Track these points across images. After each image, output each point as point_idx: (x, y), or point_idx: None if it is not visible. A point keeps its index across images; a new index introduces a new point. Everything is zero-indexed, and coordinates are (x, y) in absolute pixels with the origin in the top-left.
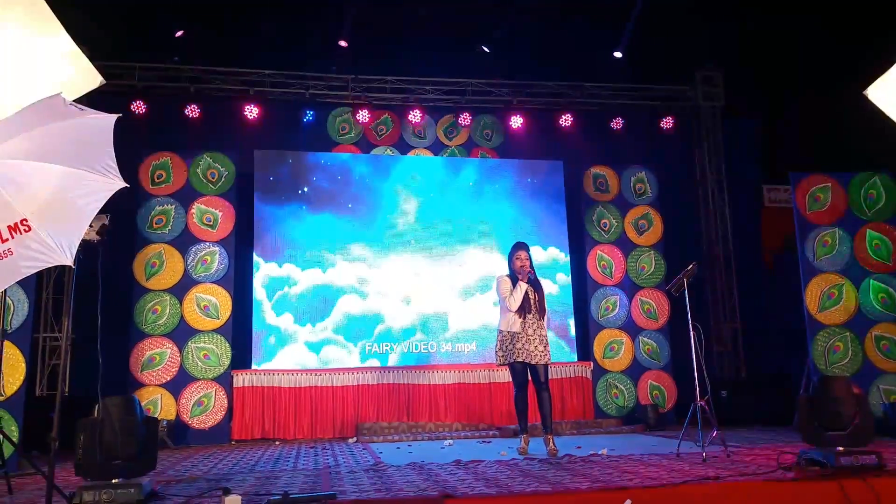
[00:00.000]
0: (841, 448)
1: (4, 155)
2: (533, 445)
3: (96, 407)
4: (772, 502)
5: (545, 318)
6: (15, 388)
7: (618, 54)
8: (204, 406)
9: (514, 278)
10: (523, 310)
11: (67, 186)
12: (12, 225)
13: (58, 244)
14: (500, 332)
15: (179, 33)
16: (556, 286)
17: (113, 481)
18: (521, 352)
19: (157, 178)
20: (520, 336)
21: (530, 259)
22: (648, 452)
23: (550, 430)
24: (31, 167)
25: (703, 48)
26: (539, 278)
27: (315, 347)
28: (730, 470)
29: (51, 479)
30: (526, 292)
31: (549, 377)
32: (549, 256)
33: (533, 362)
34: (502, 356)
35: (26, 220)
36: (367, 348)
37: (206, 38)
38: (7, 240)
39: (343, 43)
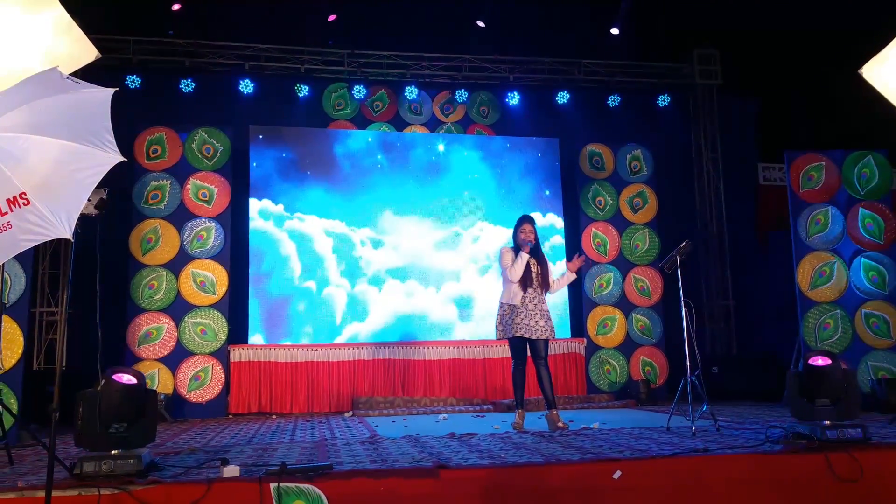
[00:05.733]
0: (827, 422)
1: (2, 129)
2: (528, 420)
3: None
4: (759, 474)
5: (547, 292)
6: (13, 361)
7: (614, 31)
8: (201, 380)
9: (517, 250)
10: (525, 282)
11: (65, 160)
12: (11, 198)
13: (57, 218)
14: (501, 304)
15: (176, 7)
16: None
17: (112, 452)
18: (520, 326)
19: (153, 153)
20: (519, 310)
21: (535, 233)
22: (639, 426)
23: (554, 405)
24: (29, 141)
25: (701, 27)
26: (543, 251)
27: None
28: (719, 443)
29: (52, 449)
30: (528, 265)
31: None
32: (544, 232)
33: (533, 337)
34: (502, 330)
35: (25, 194)
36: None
37: (200, 11)
38: (6, 213)
39: (331, 17)
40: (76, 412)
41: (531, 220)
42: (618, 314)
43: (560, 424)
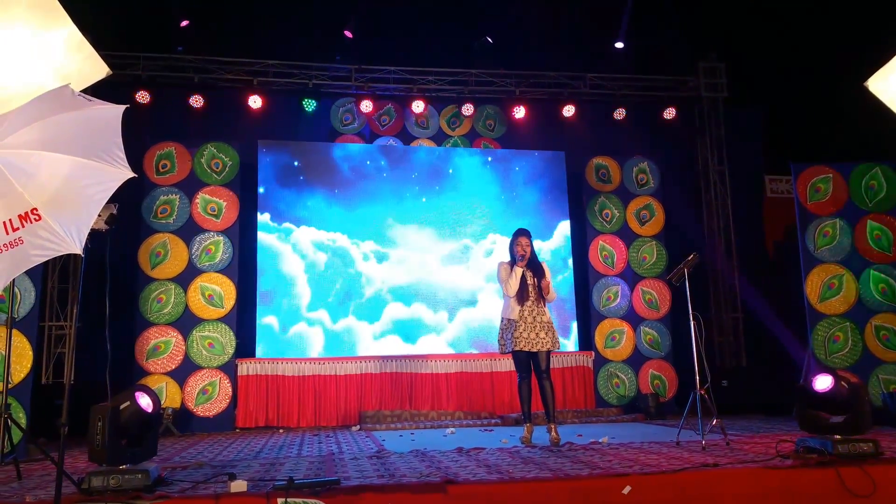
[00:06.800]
0: (838, 436)
1: (14, 145)
2: (536, 435)
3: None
4: (769, 489)
5: (547, 303)
6: (22, 375)
7: (619, 45)
8: (208, 394)
9: (514, 264)
10: (521, 296)
11: (77, 176)
12: (23, 214)
13: (67, 233)
14: (502, 319)
15: (184, 23)
16: (559, 276)
17: (120, 467)
18: (519, 339)
19: (162, 168)
20: (518, 323)
21: (531, 246)
22: (648, 440)
23: (553, 418)
24: (41, 157)
25: (706, 39)
26: (542, 262)
27: (324, 329)
28: (728, 458)
29: (60, 464)
30: (525, 278)
31: (552, 366)
32: (551, 246)
33: (534, 350)
34: (503, 344)
35: (36, 210)
36: (375, 332)
37: (210, 27)
38: (18, 228)
39: (348, 34)
40: (93, 427)
41: (527, 234)
42: (626, 327)
43: (553, 435)
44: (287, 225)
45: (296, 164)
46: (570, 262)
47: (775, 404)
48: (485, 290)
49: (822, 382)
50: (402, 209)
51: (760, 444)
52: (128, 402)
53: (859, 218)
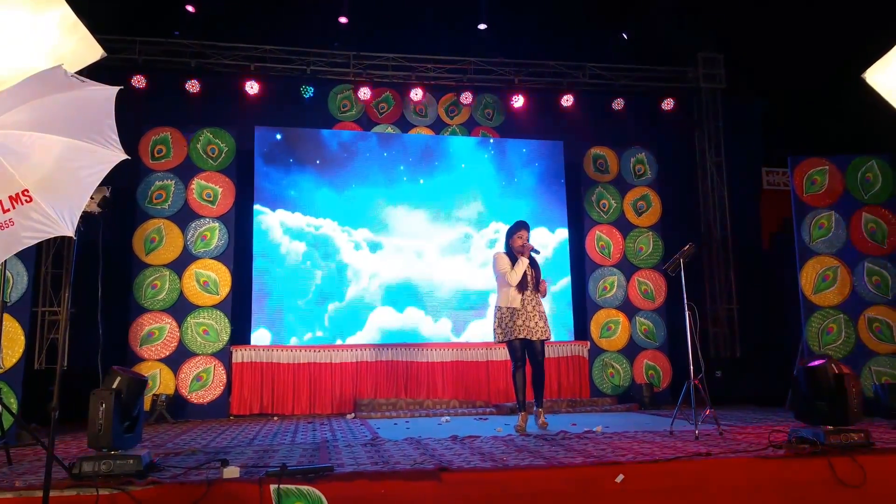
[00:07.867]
0: (830, 427)
1: (5, 126)
2: (531, 424)
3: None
4: (761, 478)
5: (542, 296)
6: (14, 360)
7: (624, 35)
8: (203, 381)
9: (511, 255)
10: (522, 286)
11: (69, 157)
12: (14, 195)
13: (59, 215)
14: (499, 308)
15: (191, 9)
16: (554, 268)
17: (112, 452)
18: (521, 328)
19: (157, 153)
20: (520, 312)
21: (529, 239)
22: (642, 430)
23: (541, 404)
24: (32, 138)
25: (705, 31)
26: (534, 255)
27: (315, 321)
28: (721, 447)
29: (51, 449)
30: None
31: (546, 356)
32: (548, 237)
33: (533, 338)
34: (501, 333)
35: (28, 191)
36: (362, 335)
37: (207, 12)
38: (8, 210)
39: (343, 19)
40: (94, 412)
41: (526, 226)
42: (621, 317)
43: (541, 420)
44: (284, 209)
45: (292, 150)
46: (567, 251)
47: (769, 395)
48: (471, 271)
49: (816, 361)
50: (398, 195)
51: (753, 434)
52: (119, 377)
53: (854, 210)
